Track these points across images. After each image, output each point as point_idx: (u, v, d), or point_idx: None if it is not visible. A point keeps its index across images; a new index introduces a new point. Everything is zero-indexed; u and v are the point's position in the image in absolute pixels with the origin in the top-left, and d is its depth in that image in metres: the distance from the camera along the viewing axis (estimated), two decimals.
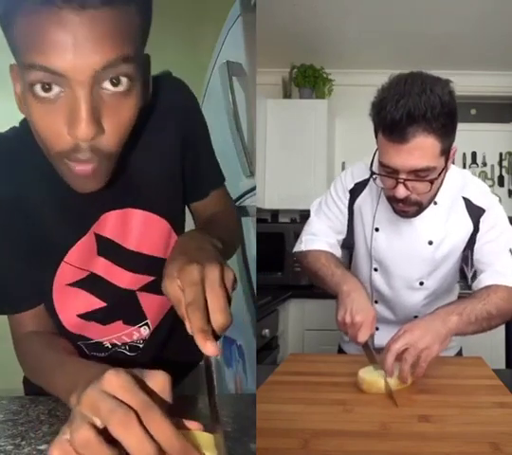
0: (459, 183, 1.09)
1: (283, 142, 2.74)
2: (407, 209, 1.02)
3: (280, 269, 2.73)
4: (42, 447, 0.65)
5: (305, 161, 2.74)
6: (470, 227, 1.10)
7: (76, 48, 0.58)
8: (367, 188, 1.16)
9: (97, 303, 0.89)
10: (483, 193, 1.10)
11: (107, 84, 0.62)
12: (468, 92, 2.99)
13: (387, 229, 1.13)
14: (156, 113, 0.84)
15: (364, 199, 1.16)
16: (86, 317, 0.89)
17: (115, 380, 0.48)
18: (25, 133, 0.74)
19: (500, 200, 1.15)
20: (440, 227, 1.10)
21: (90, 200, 0.78)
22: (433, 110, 0.87)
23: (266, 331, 2.13)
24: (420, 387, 0.86)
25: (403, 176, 0.93)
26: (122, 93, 0.64)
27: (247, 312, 1.75)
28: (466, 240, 1.11)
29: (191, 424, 0.52)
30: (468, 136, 2.95)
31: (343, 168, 2.99)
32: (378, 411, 0.76)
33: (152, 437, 0.46)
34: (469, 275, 1.70)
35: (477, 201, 1.09)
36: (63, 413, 0.76)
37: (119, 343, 0.94)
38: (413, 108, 0.87)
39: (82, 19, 0.58)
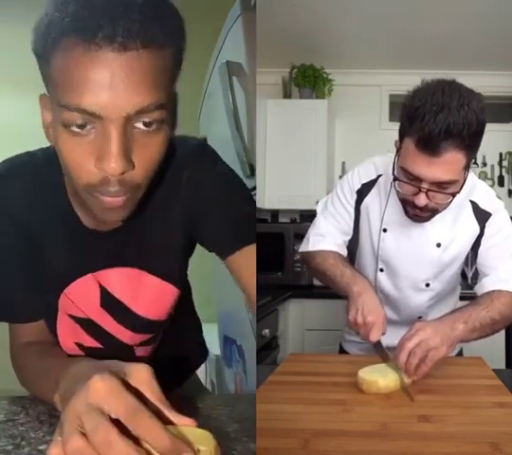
0: (467, 186, 1.10)
1: (283, 142, 2.74)
2: (422, 214, 1.03)
3: (280, 269, 2.72)
4: (42, 448, 0.65)
5: (305, 161, 2.74)
6: (477, 231, 1.11)
7: (112, 90, 0.58)
8: (374, 189, 1.16)
9: (94, 344, 0.90)
10: (489, 198, 1.12)
11: (139, 124, 0.63)
12: None
13: (395, 231, 1.14)
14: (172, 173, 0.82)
15: (371, 200, 1.16)
16: (83, 349, 0.90)
17: (101, 387, 0.48)
18: (50, 160, 0.74)
19: (499, 198, 1.15)
20: (448, 230, 1.11)
21: (99, 243, 0.79)
22: (470, 128, 0.88)
23: (266, 331, 2.13)
24: (420, 387, 0.86)
25: (425, 186, 0.94)
26: (152, 131, 0.64)
27: (247, 312, 1.75)
28: (472, 243, 1.12)
29: (184, 420, 0.52)
30: None
31: (343, 168, 2.99)
32: (378, 411, 0.76)
33: (137, 446, 0.45)
34: (469, 275, 1.69)
35: (484, 205, 1.10)
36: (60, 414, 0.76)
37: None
38: (452, 124, 0.87)
39: (121, 61, 0.57)
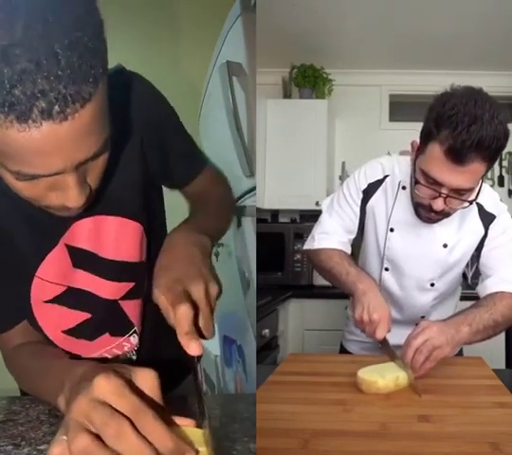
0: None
1: (283, 142, 2.74)
2: (435, 217, 1.06)
3: (280, 269, 2.72)
4: (42, 447, 0.65)
5: (305, 161, 2.74)
6: (482, 232, 1.13)
7: (60, 154, 0.56)
8: (380, 189, 1.18)
9: (80, 317, 0.88)
10: (494, 200, 1.14)
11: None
12: None
13: (402, 230, 1.15)
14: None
15: (377, 200, 1.18)
16: (72, 333, 0.88)
17: (106, 385, 0.48)
18: None
19: (500, 200, 1.16)
20: (455, 231, 1.13)
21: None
22: (498, 142, 0.90)
23: (266, 331, 2.13)
24: (420, 387, 0.86)
25: (445, 192, 0.96)
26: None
27: (247, 312, 1.75)
28: (477, 244, 1.14)
29: (184, 420, 0.52)
30: None
31: (343, 168, 2.99)
32: (378, 411, 0.76)
33: (147, 440, 0.46)
34: (469, 275, 1.71)
35: (489, 207, 1.12)
36: (62, 414, 0.76)
37: (110, 357, 0.92)
38: (484, 138, 0.88)
39: (63, 128, 0.53)
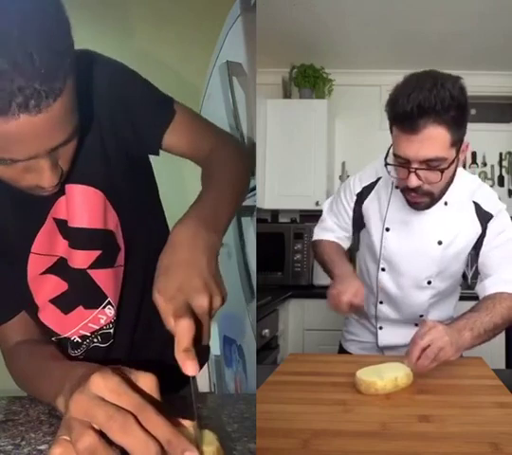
0: (470, 187, 1.14)
1: (283, 142, 2.74)
2: (419, 199, 1.07)
3: (280, 269, 2.73)
4: (42, 448, 0.65)
5: (305, 161, 2.74)
6: (479, 230, 1.13)
7: (35, 141, 0.63)
8: (374, 190, 1.22)
9: (61, 286, 0.90)
10: (492, 200, 1.14)
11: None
12: (469, 92, 2.97)
13: (398, 229, 1.17)
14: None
15: (372, 201, 1.22)
16: (55, 302, 0.90)
17: (102, 383, 0.48)
18: None
19: (499, 198, 1.16)
20: (450, 228, 1.13)
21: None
22: (443, 103, 0.93)
23: (266, 331, 2.13)
24: (420, 387, 0.86)
25: (414, 166, 0.98)
26: None
27: (247, 312, 1.75)
28: (474, 242, 1.14)
29: (184, 421, 0.52)
30: (468, 135, 2.93)
31: (343, 168, 2.99)
32: (378, 411, 0.76)
33: (151, 435, 0.46)
34: (469, 275, 1.71)
35: (486, 206, 1.13)
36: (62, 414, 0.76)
37: (89, 334, 0.93)
38: (423, 101, 0.92)
39: (38, 119, 0.60)
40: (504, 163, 3.04)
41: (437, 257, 1.15)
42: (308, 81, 2.88)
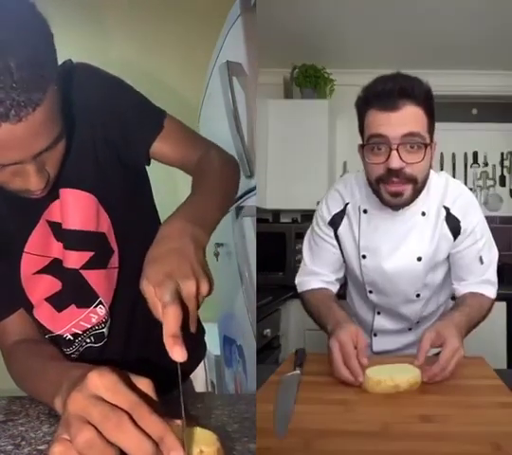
0: (441, 190, 1.11)
1: (284, 142, 2.74)
2: (401, 187, 1.01)
3: (281, 269, 2.72)
4: (42, 448, 0.65)
5: (307, 161, 2.74)
6: (450, 237, 1.12)
7: (17, 148, 0.66)
8: (345, 218, 1.18)
9: (55, 286, 0.92)
10: (461, 199, 1.11)
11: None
12: (470, 92, 2.98)
13: (374, 255, 1.15)
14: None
15: (345, 229, 1.18)
16: (50, 300, 0.92)
17: (98, 381, 0.49)
18: None
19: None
20: (428, 242, 1.11)
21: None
22: (418, 88, 0.99)
23: (268, 331, 2.13)
24: (422, 387, 0.85)
25: (395, 142, 0.98)
26: None
27: (248, 312, 1.75)
28: (449, 249, 1.14)
29: (173, 420, 0.52)
30: (470, 135, 2.95)
31: (344, 168, 2.99)
32: (380, 411, 0.76)
33: (146, 433, 0.46)
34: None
35: (454, 210, 1.10)
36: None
37: (81, 332, 0.94)
38: (403, 83, 0.99)
39: (19, 127, 0.63)
40: (506, 163, 3.04)
41: (419, 272, 1.13)
42: (310, 82, 2.88)
